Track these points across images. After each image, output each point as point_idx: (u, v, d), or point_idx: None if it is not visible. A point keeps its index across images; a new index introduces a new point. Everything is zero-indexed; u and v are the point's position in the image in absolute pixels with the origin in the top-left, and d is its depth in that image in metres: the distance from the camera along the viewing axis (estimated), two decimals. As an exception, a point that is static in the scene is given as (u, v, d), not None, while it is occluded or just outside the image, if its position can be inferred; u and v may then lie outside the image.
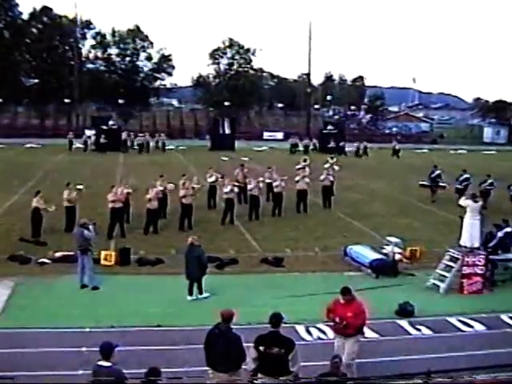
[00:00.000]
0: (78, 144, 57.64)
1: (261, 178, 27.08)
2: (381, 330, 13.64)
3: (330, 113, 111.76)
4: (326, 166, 31.71)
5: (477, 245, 16.96)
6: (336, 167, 32.68)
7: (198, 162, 43.49)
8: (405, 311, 14.70)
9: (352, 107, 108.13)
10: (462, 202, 17.60)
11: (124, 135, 58.68)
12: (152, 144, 59.24)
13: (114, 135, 56.89)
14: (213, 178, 27.13)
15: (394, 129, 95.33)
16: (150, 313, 14.31)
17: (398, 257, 18.95)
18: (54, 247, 19.67)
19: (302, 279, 17.61)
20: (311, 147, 61.43)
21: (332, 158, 35.82)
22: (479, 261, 16.83)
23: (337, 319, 10.80)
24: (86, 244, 16.45)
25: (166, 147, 59.68)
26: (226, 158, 46.54)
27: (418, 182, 33.46)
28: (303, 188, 27.24)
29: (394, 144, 62.40)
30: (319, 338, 13.12)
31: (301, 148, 60.93)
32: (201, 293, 15.70)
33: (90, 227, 16.71)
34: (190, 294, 15.64)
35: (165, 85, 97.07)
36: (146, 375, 7.87)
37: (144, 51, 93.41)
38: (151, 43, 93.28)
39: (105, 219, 21.92)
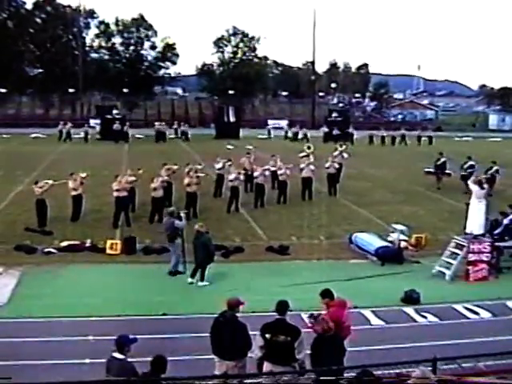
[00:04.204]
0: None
1: (266, 166, 27.03)
2: (387, 318, 13.64)
3: (335, 101, 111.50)
4: (335, 153, 31.59)
5: (481, 231, 16.94)
6: (345, 155, 32.58)
7: (202, 151, 43.46)
8: (411, 298, 14.70)
9: (357, 95, 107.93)
10: (471, 185, 17.57)
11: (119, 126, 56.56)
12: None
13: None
14: (220, 165, 27.09)
15: (400, 116, 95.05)
16: (156, 301, 14.34)
17: (403, 244, 18.93)
18: (59, 237, 19.72)
19: (307, 267, 17.60)
20: (300, 136, 60.41)
21: (341, 145, 35.72)
22: (485, 248, 16.82)
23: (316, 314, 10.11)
24: (175, 233, 16.64)
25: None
26: (231, 147, 46.45)
27: (424, 169, 33.38)
28: (308, 176, 27.24)
29: (419, 132, 62.28)
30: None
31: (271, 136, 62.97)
32: (202, 280, 15.82)
33: (182, 215, 17.11)
34: (192, 276, 15.93)
35: (169, 73, 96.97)
36: (151, 363, 7.89)
37: (148, 40, 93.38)
38: (155, 32, 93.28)
39: (110, 208, 22.01)
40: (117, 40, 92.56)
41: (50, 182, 22.00)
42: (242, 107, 75.90)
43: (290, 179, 26.82)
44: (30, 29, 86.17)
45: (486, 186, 17.89)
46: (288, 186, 26.65)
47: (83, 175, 22.98)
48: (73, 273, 16.67)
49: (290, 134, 62.01)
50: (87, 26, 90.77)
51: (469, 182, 17.92)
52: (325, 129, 61.18)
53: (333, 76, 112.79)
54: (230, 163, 26.74)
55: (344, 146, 35.17)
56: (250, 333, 9.40)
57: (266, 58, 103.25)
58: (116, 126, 55.13)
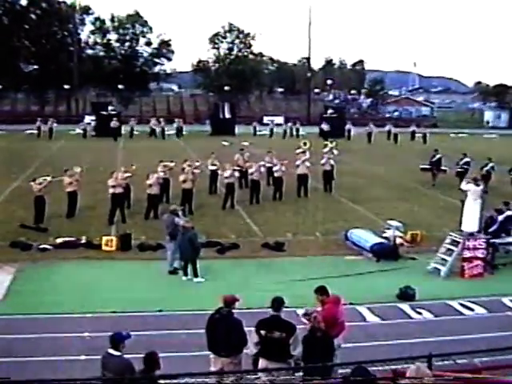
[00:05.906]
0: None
1: (262, 162, 27.02)
2: (382, 314, 13.67)
3: (331, 97, 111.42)
4: (325, 150, 31.58)
5: (477, 229, 16.96)
6: (335, 151, 32.53)
7: (198, 148, 43.33)
8: (406, 295, 14.73)
9: (352, 91, 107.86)
10: (464, 186, 17.55)
11: (117, 123, 55.80)
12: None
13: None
14: (214, 168, 26.95)
15: (396, 113, 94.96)
16: (152, 298, 14.36)
17: (398, 241, 18.97)
18: (55, 233, 19.69)
19: (302, 263, 17.63)
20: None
21: (331, 142, 35.63)
22: (480, 244, 16.85)
23: (310, 311, 10.07)
24: (176, 230, 16.65)
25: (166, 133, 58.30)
26: (226, 143, 46.37)
27: (419, 166, 33.38)
28: (304, 172, 27.24)
29: (422, 129, 62.29)
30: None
31: (266, 132, 61.33)
32: (196, 276, 15.89)
33: (180, 213, 17.17)
34: (185, 274, 16.04)
35: (164, 70, 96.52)
36: (144, 360, 7.88)
37: (143, 36, 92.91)
38: (150, 28, 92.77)
39: (105, 205, 21.97)
40: (112, 36, 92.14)
41: (49, 178, 21.95)
42: (237, 104, 75.80)
43: (285, 175, 26.81)
44: (24, 25, 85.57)
45: (481, 183, 17.93)
46: (283, 183, 26.64)
47: (78, 170, 22.92)
48: (68, 269, 16.66)
49: (275, 131, 61.16)
50: (82, 23, 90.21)
51: (462, 186, 17.82)
52: (324, 126, 60.94)
53: (328, 72, 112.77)
54: (222, 172, 26.06)
55: (334, 143, 35.08)
56: (246, 329, 9.41)
57: (261, 54, 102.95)
58: (113, 123, 54.79)
